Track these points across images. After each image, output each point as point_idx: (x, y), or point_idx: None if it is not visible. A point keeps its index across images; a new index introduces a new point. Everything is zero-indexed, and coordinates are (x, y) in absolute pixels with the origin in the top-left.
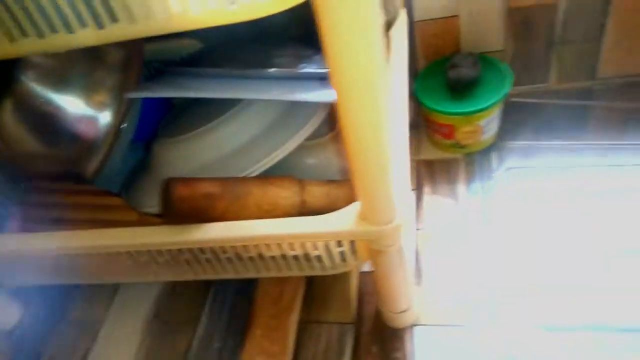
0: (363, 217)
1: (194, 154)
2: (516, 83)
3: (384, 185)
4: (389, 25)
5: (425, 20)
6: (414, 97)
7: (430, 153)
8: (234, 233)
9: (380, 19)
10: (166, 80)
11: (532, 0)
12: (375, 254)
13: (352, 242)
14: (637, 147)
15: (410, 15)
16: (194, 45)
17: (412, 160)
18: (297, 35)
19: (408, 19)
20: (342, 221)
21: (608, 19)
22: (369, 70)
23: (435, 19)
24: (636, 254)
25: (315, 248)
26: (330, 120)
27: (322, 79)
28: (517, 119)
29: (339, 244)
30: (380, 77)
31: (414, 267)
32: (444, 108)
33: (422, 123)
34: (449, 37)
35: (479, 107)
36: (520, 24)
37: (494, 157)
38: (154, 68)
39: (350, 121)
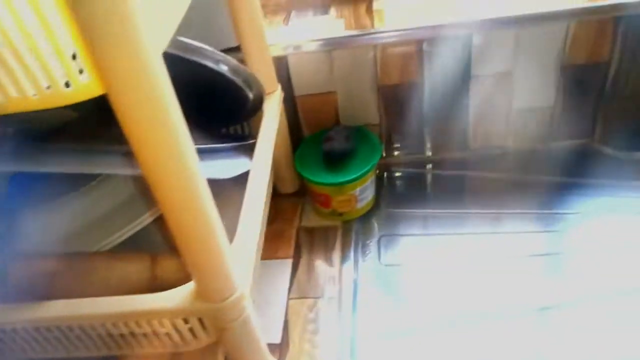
0: (198, 294)
1: (51, 226)
2: (395, 154)
3: (215, 262)
4: (261, 100)
5: (304, 95)
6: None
7: (312, 220)
8: (70, 311)
9: (175, 103)
10: (30, 153)
11: (397, 78)
12: (220, 330)
13: (200, 319)
14: (513, 215)
15: (290, 90)
16: (68, 114)
17: (293, 228)
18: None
19: (289, 93)
20: (176, 299)
21: (469, 97)
22: (170, 154)
23: (314, 94)
24: (512, 319)
25: (162, 325)
26: None
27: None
28: (396, 187)
29: (186, 320)
30: (188, 161)
31: (280, 337)
32: (318, 178)
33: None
34: (328, 111)
35: (350, 177)
36: (391, 99)
37: (371, 225)
38: (21, 139)
39: (165, 204)
